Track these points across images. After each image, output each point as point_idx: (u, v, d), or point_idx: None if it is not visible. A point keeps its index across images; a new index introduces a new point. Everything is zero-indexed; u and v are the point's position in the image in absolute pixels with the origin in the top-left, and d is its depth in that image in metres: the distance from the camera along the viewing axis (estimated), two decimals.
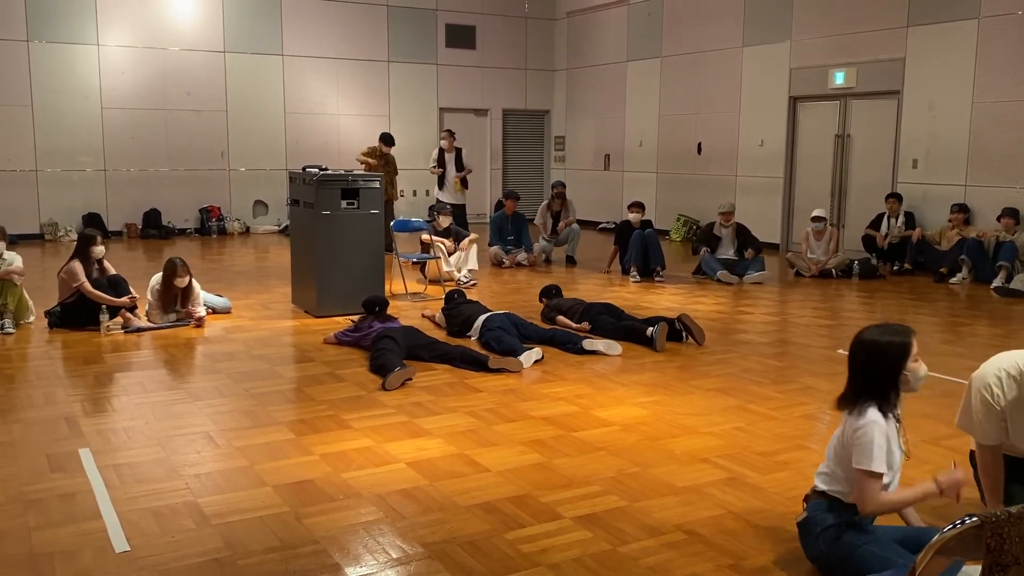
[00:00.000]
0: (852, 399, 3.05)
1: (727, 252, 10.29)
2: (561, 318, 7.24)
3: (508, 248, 11.23)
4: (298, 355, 6.48)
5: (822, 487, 3.13)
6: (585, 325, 7.07)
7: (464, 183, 12.46)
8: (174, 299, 7.27)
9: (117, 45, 13.67)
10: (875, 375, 3.01)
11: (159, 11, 13.94)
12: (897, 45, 11.22)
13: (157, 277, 7.32)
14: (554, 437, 4.59)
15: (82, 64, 13.48)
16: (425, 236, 9.64)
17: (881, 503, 2.98)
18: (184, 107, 14.24)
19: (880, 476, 2.94)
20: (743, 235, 10.30)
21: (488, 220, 13.86)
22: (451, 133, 12.66)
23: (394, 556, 3.23)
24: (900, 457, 3.05)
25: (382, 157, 11.98)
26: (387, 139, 12.13)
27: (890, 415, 3.01)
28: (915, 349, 3.02)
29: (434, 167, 12.45)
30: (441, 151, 12.47)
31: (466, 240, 9.93)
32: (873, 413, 2.97)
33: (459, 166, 12.40)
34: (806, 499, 3.21)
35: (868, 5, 11.47)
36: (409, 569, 3.14)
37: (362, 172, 8.32)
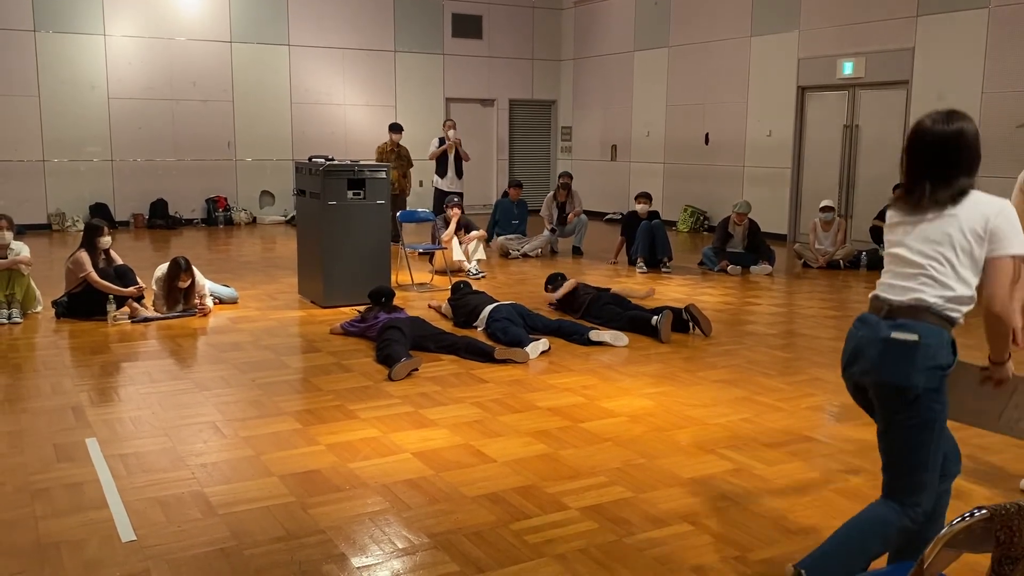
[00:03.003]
0: (949, 183, 2.57)
1: (737, 247, 10.28)
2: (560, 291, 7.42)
3: (514, 228, 11.46)
4: (304, 345, 6.48)
5: (934, 300, 2.56)
6: (571, 284, 7.34)
7: (460, 166, 12.34)
8: (177, 297, 7.29)
9: (123, 35, 13.67)
10: (971, 157, 2.59)
11: (165, 1, 13.93)
12: (906, 35, 11.14)
13: (162, 267, 7.34)
14: (560, 428, 4.58)
15: (89, 54, 13.48)
16: (445, 237, 9.57)
17: (1010, 314, 2.55)
18: (191, 97, 14.24)
19: None
20: (754, 234, 10.28)
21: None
22: (454, 123, 12.69)
23: (400, 546, 3.23)
24: None
25: (394, 151, 11.89)
26: (394, 127, 12.04)
27: None
28: None
29: (434, 154, 12.39)
30: (443, 141, 12.42)
31: (473, 236, 9.84)
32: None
33: (458, 155, 12.38)
34: (892, 312, 2.61)
35: None
36: (415, 559, 3.14)
37: (368, 162, 8.27)
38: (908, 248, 2.63)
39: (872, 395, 2.69)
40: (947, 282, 2.56)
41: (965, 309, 2.60)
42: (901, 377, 2.56)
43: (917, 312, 2.57)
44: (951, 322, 2.59)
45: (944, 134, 2.59)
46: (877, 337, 2.61)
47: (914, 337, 2.55)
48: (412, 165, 12.23)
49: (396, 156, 11.84)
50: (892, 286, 2.65)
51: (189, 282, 7.27)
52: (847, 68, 11.85)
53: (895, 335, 2.57)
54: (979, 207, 2.55)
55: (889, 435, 2.65)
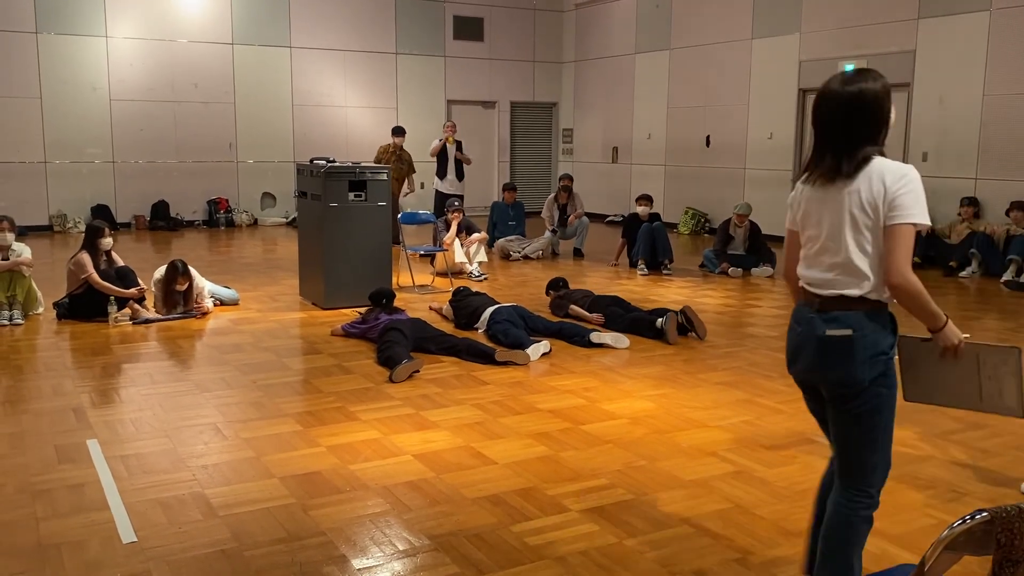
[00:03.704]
0: (853, 153, 2.50)
1: (738, 249, 10.27)
2: (574, 307, 7.23)
3: (511, 229, 11.47)
4: (305, 347, 6.48)
5: (857, 291, 2.50)
6: (598, 316, 7.04)
7: (460, 168, 12.33)
8: (176, 299, 7.29)
9: (125, 37, 13.68)
10: (876, 120, 2.53)
11: (167, 3, 13.95)
12: (907, 37, 11.15)
13: (161, 269, 7.34)
14: (561, 430, 4.58)
15: (91, 56, 13.49)
16: (447, 239, 9.57)
17: (914, 281, 2.42)
18: (192, 99, 14.25)
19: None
20: (755, 236, 10.28)
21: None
22: (454, 125, 12.70)
23: (400, 548, 3.23)
24: None
25: (395, 153, 11.88)
26: (396, 130, 12.04)
27: None
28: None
29: (434, 149, 12.39)
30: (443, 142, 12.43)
31: (475, 239, 9.85)
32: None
33: (458, 157, 12.40)
34: (823, 306, 2.54)
35: None
36: (415, 561, 3.14)
37: (369, 164, 8.29)
38: (820, 235, 2.58)
39: (821, 389, 2.66)
40: (862, 269, 2.49)
41: None
42: (843, 374, 2.52)
43: (845, 302, 2.52)
44: (883, 303, 2.53)
45: (846, 96, 2.54)
46: (813, 335, 2.57)
47: (848, 332, 2.50)
48: (414, 171, 12.22)
49: (397, 159, 11.85)
50: (814, 279, 2.59)
51: (187, 285, 7.28)
52: (848, 71, 11.84)
53: (830, 332, 2.52)
54: (880, 176, 2.46)
55: (840, 423, 2.61)
